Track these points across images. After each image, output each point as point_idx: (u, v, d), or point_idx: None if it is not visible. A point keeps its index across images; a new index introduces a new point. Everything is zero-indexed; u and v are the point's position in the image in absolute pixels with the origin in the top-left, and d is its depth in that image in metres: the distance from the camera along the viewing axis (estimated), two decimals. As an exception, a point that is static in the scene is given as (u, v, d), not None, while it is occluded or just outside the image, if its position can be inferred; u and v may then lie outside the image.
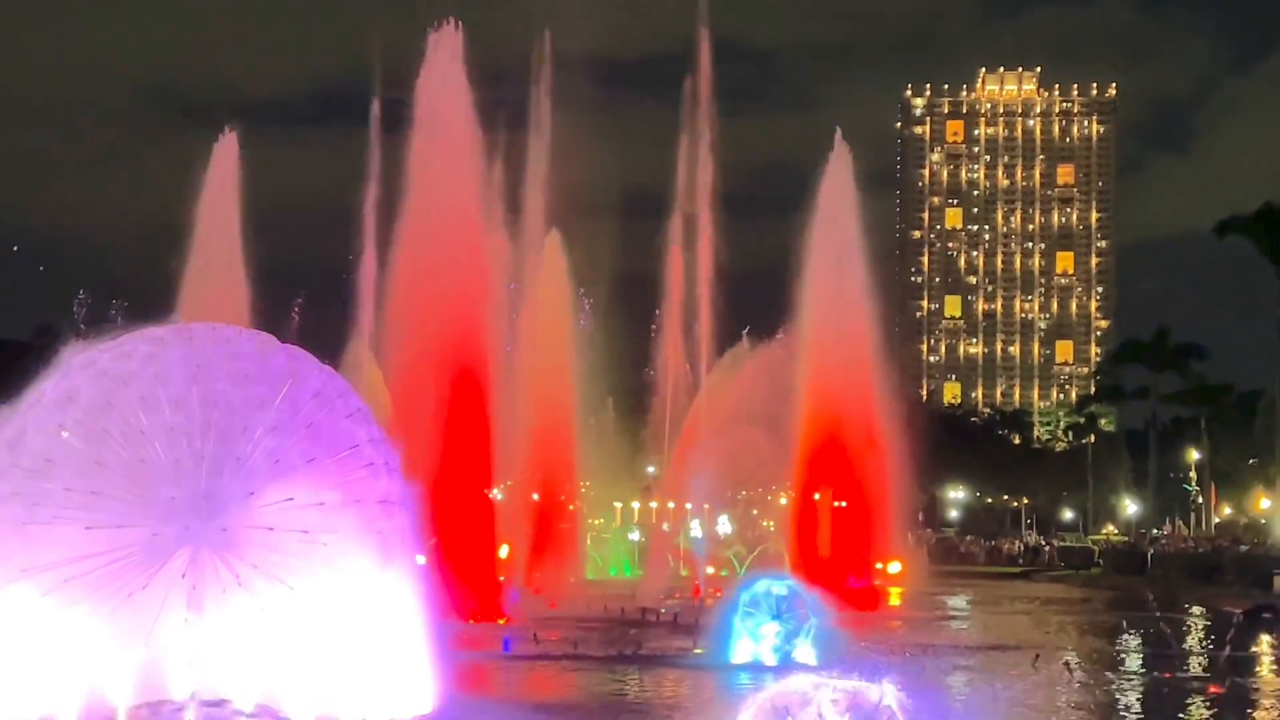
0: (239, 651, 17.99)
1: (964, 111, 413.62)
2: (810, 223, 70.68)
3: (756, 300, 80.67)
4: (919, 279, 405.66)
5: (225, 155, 59.93)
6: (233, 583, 17.99)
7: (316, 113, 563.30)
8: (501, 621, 48.11)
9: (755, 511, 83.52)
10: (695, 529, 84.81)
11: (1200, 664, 45.28)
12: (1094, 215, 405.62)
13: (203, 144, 59.91)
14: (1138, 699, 35.79)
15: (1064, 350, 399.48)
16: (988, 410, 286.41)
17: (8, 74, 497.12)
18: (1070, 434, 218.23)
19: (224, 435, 18.46)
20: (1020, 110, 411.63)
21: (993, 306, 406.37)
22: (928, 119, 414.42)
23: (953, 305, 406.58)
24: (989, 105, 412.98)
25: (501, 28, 68.93)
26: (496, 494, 58.15)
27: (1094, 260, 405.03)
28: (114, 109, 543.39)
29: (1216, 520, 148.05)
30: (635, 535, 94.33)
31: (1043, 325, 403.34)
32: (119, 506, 17.88)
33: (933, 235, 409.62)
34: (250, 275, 57.64)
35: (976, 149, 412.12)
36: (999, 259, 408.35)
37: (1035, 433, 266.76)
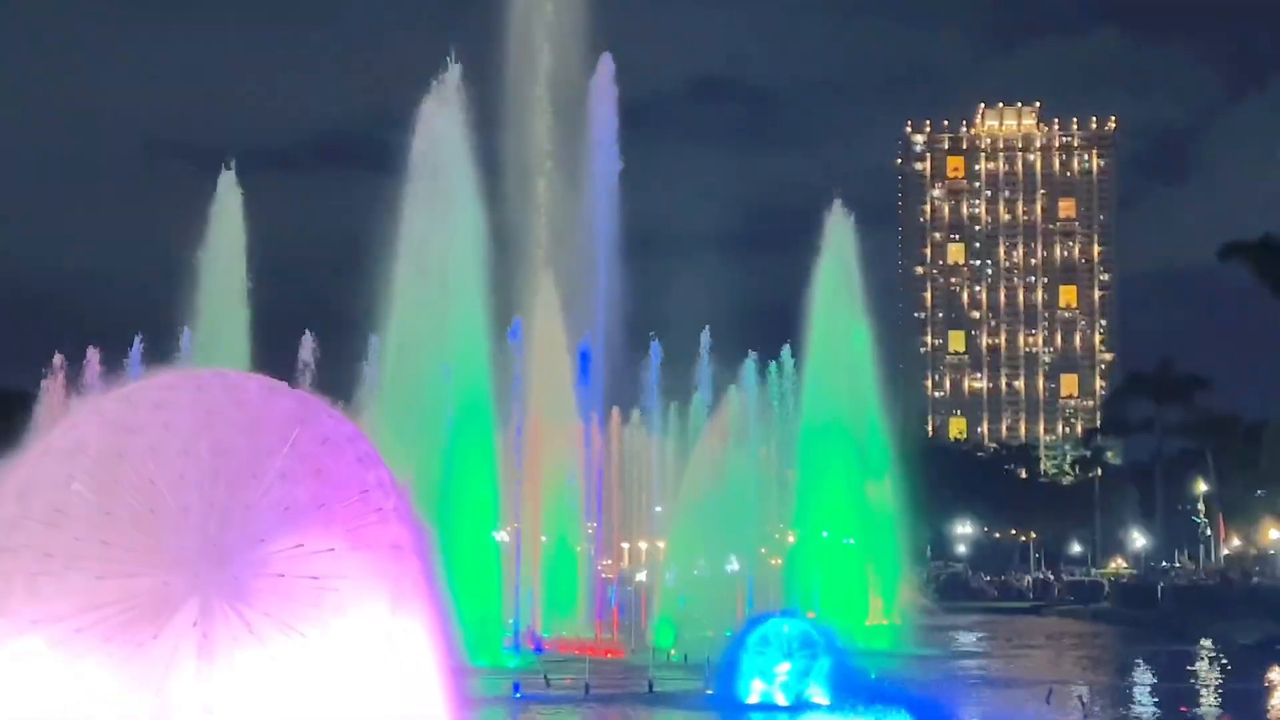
0: (251, 701, 17.92)
1: (964, 147, 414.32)
2: (811, 274, 71.09)
3: (762, 334, 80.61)
4: (922, 314, 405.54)
5: (229, 201, 60.31)
6: (244, 631, 17.92)
7: (319, 159, 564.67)
8: (512, 664, 47.94)
9: (763, 550, 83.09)
10: (701, 568, 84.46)
11: (1213, 698, 45.10)
12: (1096, 248, 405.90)
13: (211, 192, 60.33)
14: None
15: (1069, 384, 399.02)
16: (994, 445, 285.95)
17: (13, 127, 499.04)
18: (1076, 468, 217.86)
19: (233, 482, 18.42)
20: (1020, 145, 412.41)
21: (996, 341, 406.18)
22: (928, 155, 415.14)
23: (956, 340, 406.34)
24: (989, 140, 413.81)
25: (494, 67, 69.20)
26: (504, 536, 58.05)
27: (1097, 293, 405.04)
28: (122, 159, 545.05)
29: (1225, 552, 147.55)
30: (642, 575, 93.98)
31: (1047, 359, 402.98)
32: (129, 556, 17.84)
33: (935, 270, 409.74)
34: (257, 320, 57.83)
35: (977, 184, 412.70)
36: (1002, 293, 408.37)
37: (1042, 466, 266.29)
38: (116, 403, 19.28)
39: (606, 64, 73.51)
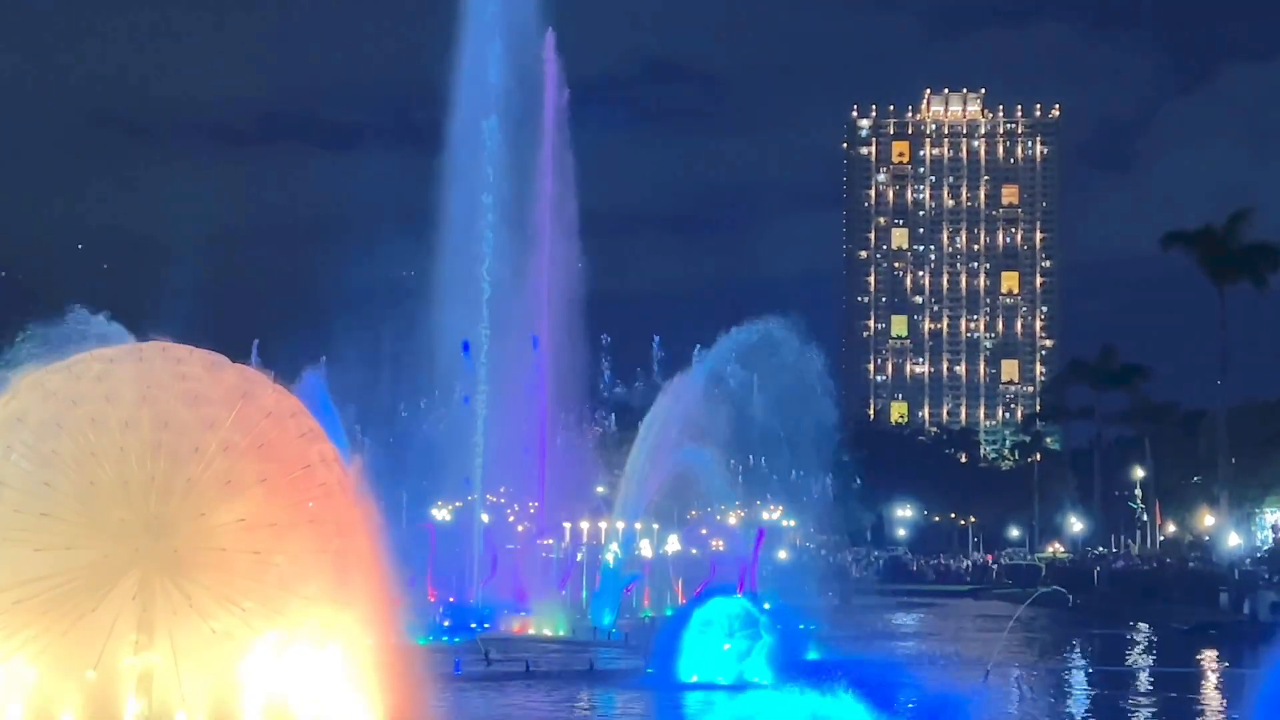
0: (190, 673, 17.85)
1: (909, 132, 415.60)
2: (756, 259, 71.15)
3: (707, 316, 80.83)
4: (865, 299, 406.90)
5: (174, 174, 59.90)
6: (184, 604, 17.86)
7: (260, 134, 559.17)
8: (453, 641, 47.87)
9: (704, 531, 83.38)
10: (644, 548, 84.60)
11: (1146, 679, 45.65)
12: (1038, 235, 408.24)
13: (149, 165, 59.85)
14: (1085, 711, 36.07)
15: (1009, 369, 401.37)
16: (935, 429, 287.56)
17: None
18: (1016, 453, 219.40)
19: (175, 456, 18.33)
20: (965, 131, 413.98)
21: (939, 326, 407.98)
22: (873, 140, 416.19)
23: (899, 325, 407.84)
24: (934, 126, 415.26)
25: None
26: (445, 515, 57.99)
27: (1038, 280, 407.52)
28: (58, 131, 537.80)
29: (1161, 538, 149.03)
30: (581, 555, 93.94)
31: (988, 345, 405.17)
32: (69, 528, 17.73)
33: (879, 255, 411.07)
34: (203, 294, 57.42)
35: (922, 169, 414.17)
36: (945, 279, 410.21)
37: (982, 452, 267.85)
38: (57, 374, 19.12)
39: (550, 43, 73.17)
